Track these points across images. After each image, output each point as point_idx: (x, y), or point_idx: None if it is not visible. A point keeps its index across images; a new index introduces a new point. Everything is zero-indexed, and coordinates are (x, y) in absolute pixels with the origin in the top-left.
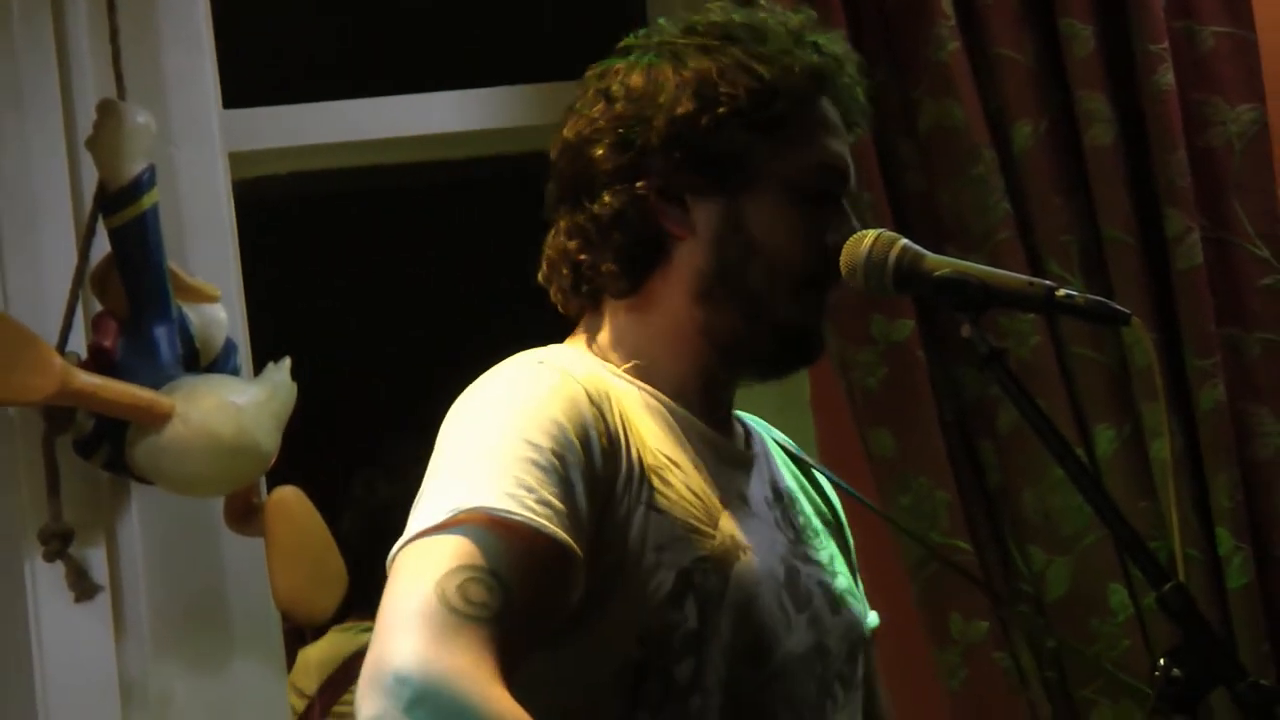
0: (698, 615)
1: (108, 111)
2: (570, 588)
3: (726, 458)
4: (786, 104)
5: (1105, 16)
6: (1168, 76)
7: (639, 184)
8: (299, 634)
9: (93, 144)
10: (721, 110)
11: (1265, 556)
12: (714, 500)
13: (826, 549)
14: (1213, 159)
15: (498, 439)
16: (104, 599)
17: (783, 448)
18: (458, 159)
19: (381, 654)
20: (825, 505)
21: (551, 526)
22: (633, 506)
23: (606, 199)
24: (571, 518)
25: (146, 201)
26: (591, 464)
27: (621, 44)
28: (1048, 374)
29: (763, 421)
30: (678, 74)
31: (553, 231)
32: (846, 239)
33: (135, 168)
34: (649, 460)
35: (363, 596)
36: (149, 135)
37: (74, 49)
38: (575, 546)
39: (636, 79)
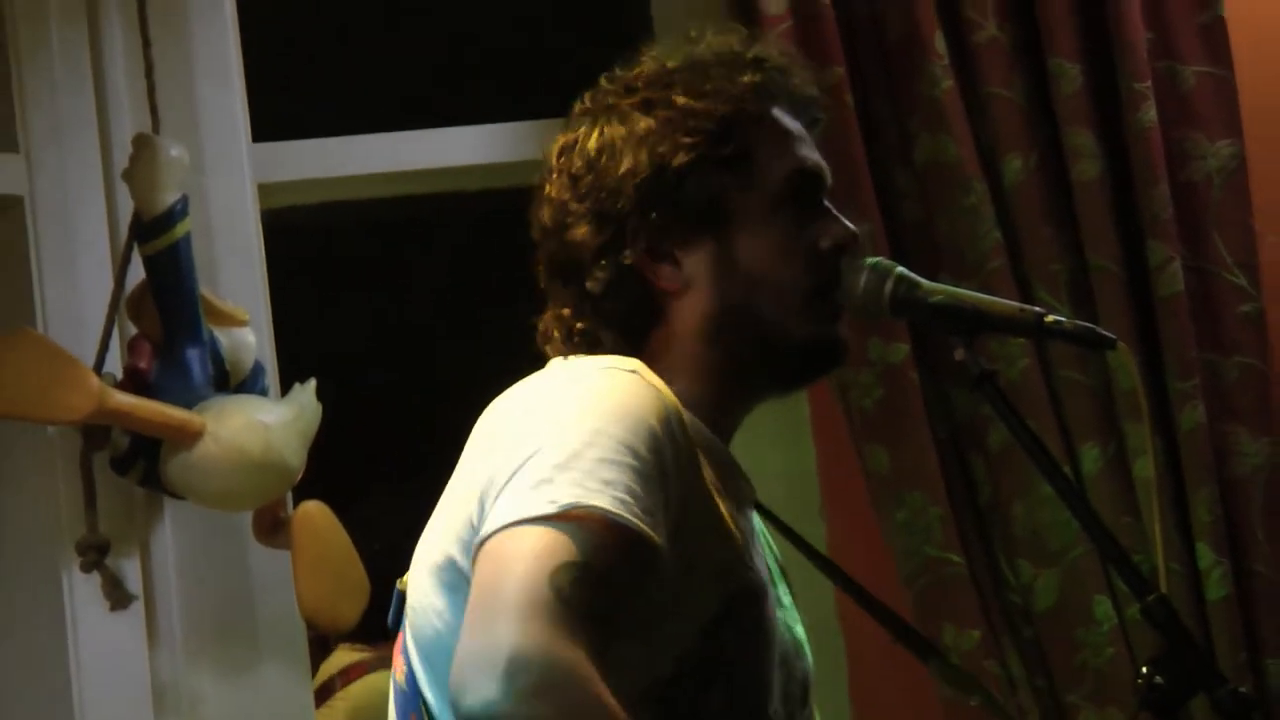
0: (734, 644)
1: (143, 144)
2: (650, 594)
3: (744, 490)
4: (742, 133)
5: (1091, 56)
6: (1151, 114)
7: (625, 254)
8: (323, 642)
9: (129, 176)
10: (682, 161)
11: (1243, 570)
12: (745, 534)
13: (788, 594)
14: (1193, 192)
15: (604, 440)
16: (138, 608)
17: None
18: (475, 190)
19: (494, 640)
20: (777, 546)
21: (656, 536)
22: (698, 525)
23: (598, 275)
24: (663, 527)
25: (179, 230)
26: (673, 479)
27: (574, 109)
28: (1036, 395)
29: None
30: (631, 136)
31: (549, 307)
32: (839, 236)
33: (169, 198)
34: (706, 484)
35: None
36: (182, 167)
37: (111, 85)
38: (665, 553)
39: (594, 151)
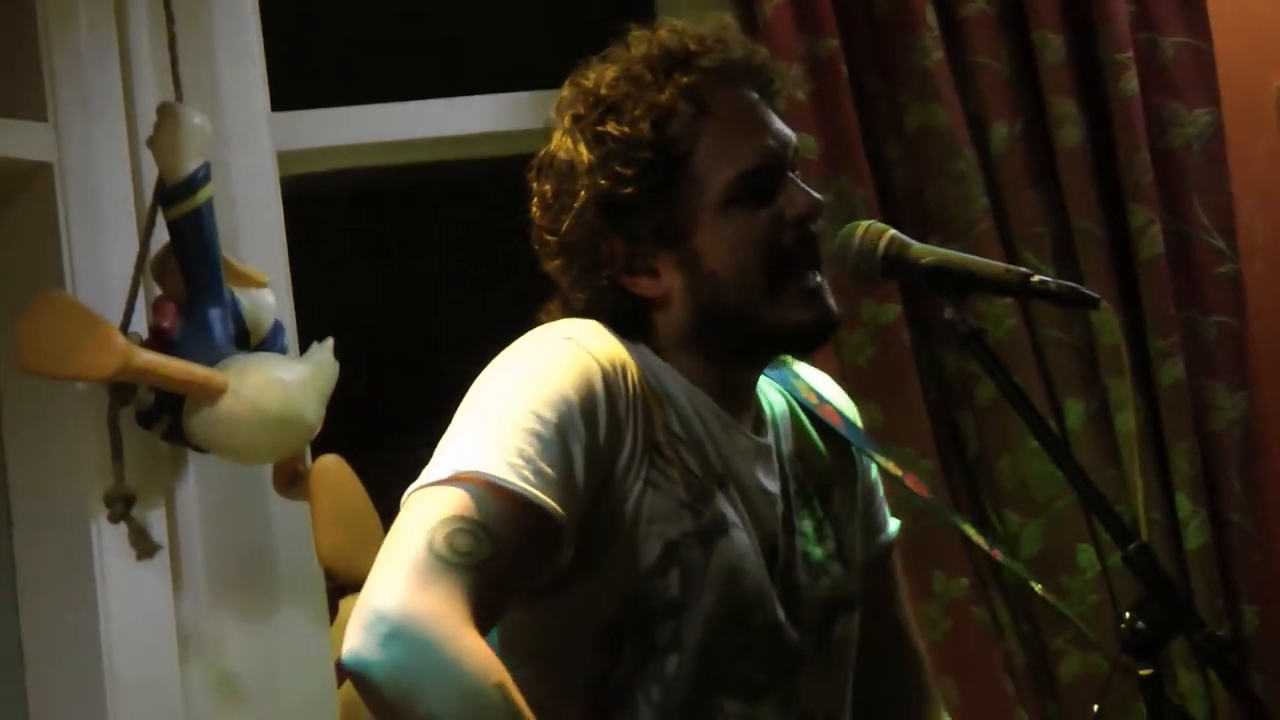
0: (680, 584)
1: (167, 114)
2: (554, 550)
3: (737, 440)
4: (678, 148)
5: (1074, 28)
6: (1132, 83)
7: (603, 275)
8: (340, 589)
9: (153, 143)
10: (625, 193)
11: (1220, 520)
12: (711, 480)
13: (815, 517)
14: (1173, 159)
15: (509, 407)
16: (163, 557)
17: (803, 407)
18: (486, 157)
19: (368, 592)
20: (833, 457)
21: (540, 495)
22: (632, 481)
23: (582, 295)
24: (564, 487)
25: (202, 196)
26: (595, 440)
27: (551, 110)
28: (1022, 353)
29: (802, 372)
30: (579, 168)
31: (546, 313)
32: (801, 207)
33: (191, 165)
34: (657, 437)
35: None
36: (204, 136)
37: (136, 57)
38: (560, 514)
39: (555, 178)
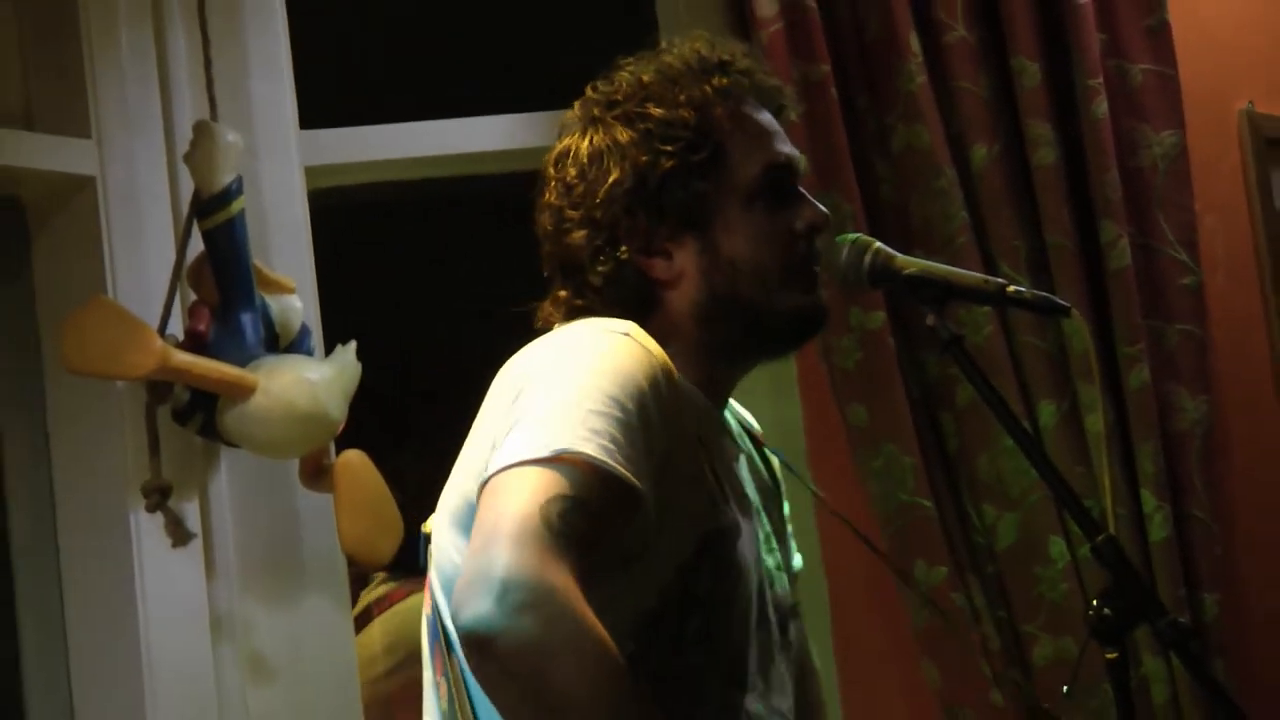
0: (710, 579)
1: (202, 131)
2: (632, 532)
3: (726, 444)
4: (714, 137)
5: (1049, 55)
6: (1102, 107)
7: (622, 251)
8: (362, 576)
9: (189, 159)
10: (662, 169)
11: (1182, 514)
12: (722, 481)
13: (764, 528)
14: (1140, 177)
15: (590, 392)
16: (197, 545)
17: (743, 426)
18: (497, 172)
19: (490, 561)
20: (767, 474)
21: (630, 475)
22: (679, 473)
23: (599, 270)
24: (643, 467)
25: (235, 207)
26: (659, 427)
27: (563, 120)
28: (999, 357)
29: (739, 409)
30: (615, 148)
31: (549, 294)
32: (811, 219)
33: (225, 179)
34: (690, 437)
35: None
36: (237, 151)
37: (174, 77)
38: (644, 491)
39: (584, 162)
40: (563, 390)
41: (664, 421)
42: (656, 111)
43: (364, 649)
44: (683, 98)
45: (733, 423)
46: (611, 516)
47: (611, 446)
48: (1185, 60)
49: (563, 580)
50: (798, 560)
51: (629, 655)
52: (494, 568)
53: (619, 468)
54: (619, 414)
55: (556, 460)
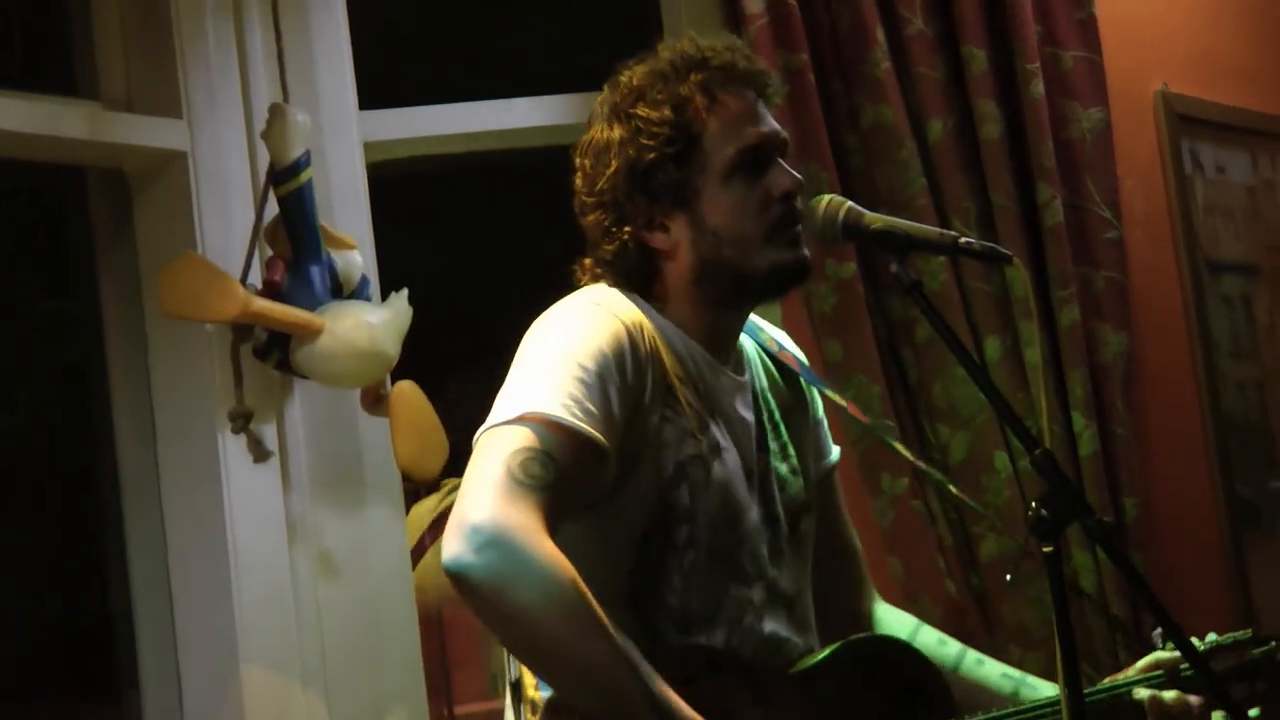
0: (689, 496)
1: (276, 112)
2: (601, 473)
3: (722, 382)
4: (691, 129)
5: (994, 44)
6: (1039, 88)
7: (625, 229)
8: (414, 489)
9: (265, 136)
10: (647, 160)
11: (1107, 431)
12: (706, 413)
13: (780, 440)
14: (1071, 147)
15: (557, 360)
16: (274, 462)
17: (766, 352)
18: (535, 147)
19: (462, 510)
20: (788, 389)
21: (588, 428)
22: (652, 414)
23: (609, 246)
24: (605, 421)
25: (304, 177)
26: (625, 382)
27: (590, 113)
28: (952, 300)
29: (765, 327)
30: (612, 143)
31: (582, 265)
32: (784, 186)
33: (296, 153)
34: (668, 380)
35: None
36: (306, 130)
37: (251, 66)
38: (605, 442)
39: (594, 154)
40: (535, 362)
41: (636, 374)
42: (642, 111)
43: (427, 561)
44: (662, 96)
45: (752, 353)
46: (574, 462)
47: (570, 403)
48: (1109, 48)
49: (520, 520)
50: (834, 453)
51: (634, 566)
52: (464, 515)
53: (576, 421)
54: (581, 375)
55: (521, 419)
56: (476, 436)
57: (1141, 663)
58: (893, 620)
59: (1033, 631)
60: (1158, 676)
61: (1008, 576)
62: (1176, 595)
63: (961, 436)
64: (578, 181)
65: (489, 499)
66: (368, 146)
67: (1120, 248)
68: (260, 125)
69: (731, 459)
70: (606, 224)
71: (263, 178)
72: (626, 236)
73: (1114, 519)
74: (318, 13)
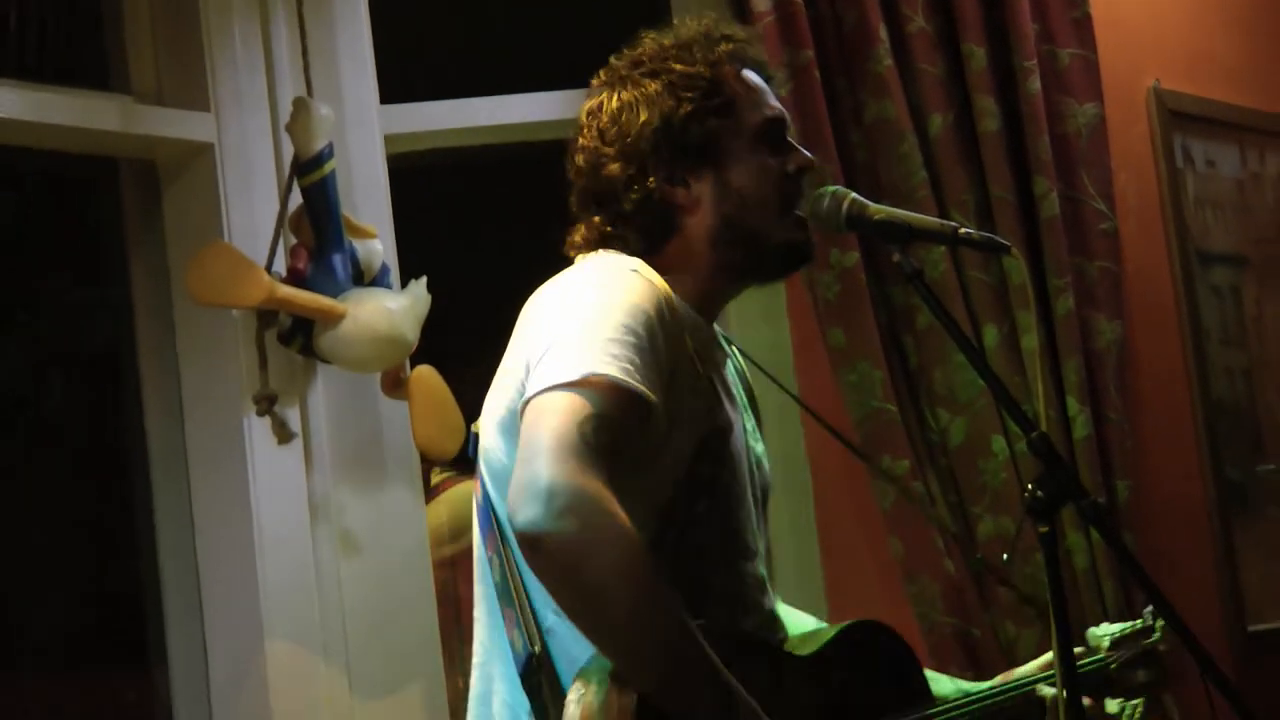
0: (710, 469)
1: (300, 106)
2: (649, 437)
3: (716, 354)
4: (725, 89)
5: (992, 41)
6: (1036, 84)
7: (650, 180)
8: (430, 467)
9: (290, 128)
10: (684, 112)
11: (1100, 416)
12: (717, 388)
13: (750, 420)
14: (1067, 142)
15: (606, 321)
16: (298, 443)
17: (723, 336)
18: (547, 140)
19: (535, 472)
20: (743, 380)
21: (646, 390)
22: (682, 383)
23: (631, 197)
24: (654, 381)
25: (327, 168)
26: (663, 350)
27: (593, 82)
28: (951, 288)
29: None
30: (644, 97)
31: (582, 225)
32: (800, 161)
33: (319, 145)
34: (689, 352)
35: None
36: (329, 123)
37: (277, 61)
38: (656, 401)
39: (616, 110)
40: (584, 320)
41: (668, 342)
42: (678, 67)
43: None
44: (699, 56)
45: (720, 334)
46: (632, 427)
47: (629, 367)
48: (1104, 46)
49: (596, 486)
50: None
51: (654, 538)
52: (540, 478)
53: (638, 384)
54: (632, 339)
55: (584, 383)
56: (530, 394)
57: (1042, 659)
58: (795, 620)
59: (1028, 609)
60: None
61: (1005, 556)
62: (1167, 574)
63: (960, 420)
64: (587, 139)
65: (564, 462)
66: (388, 139)
67: (1114, 239)
68: (285, 118)
69: (739, 434)
70: (630, 173)
71: (287, 169)
72: (651, 187)
73: (1107, 500)
74: (341, 10)
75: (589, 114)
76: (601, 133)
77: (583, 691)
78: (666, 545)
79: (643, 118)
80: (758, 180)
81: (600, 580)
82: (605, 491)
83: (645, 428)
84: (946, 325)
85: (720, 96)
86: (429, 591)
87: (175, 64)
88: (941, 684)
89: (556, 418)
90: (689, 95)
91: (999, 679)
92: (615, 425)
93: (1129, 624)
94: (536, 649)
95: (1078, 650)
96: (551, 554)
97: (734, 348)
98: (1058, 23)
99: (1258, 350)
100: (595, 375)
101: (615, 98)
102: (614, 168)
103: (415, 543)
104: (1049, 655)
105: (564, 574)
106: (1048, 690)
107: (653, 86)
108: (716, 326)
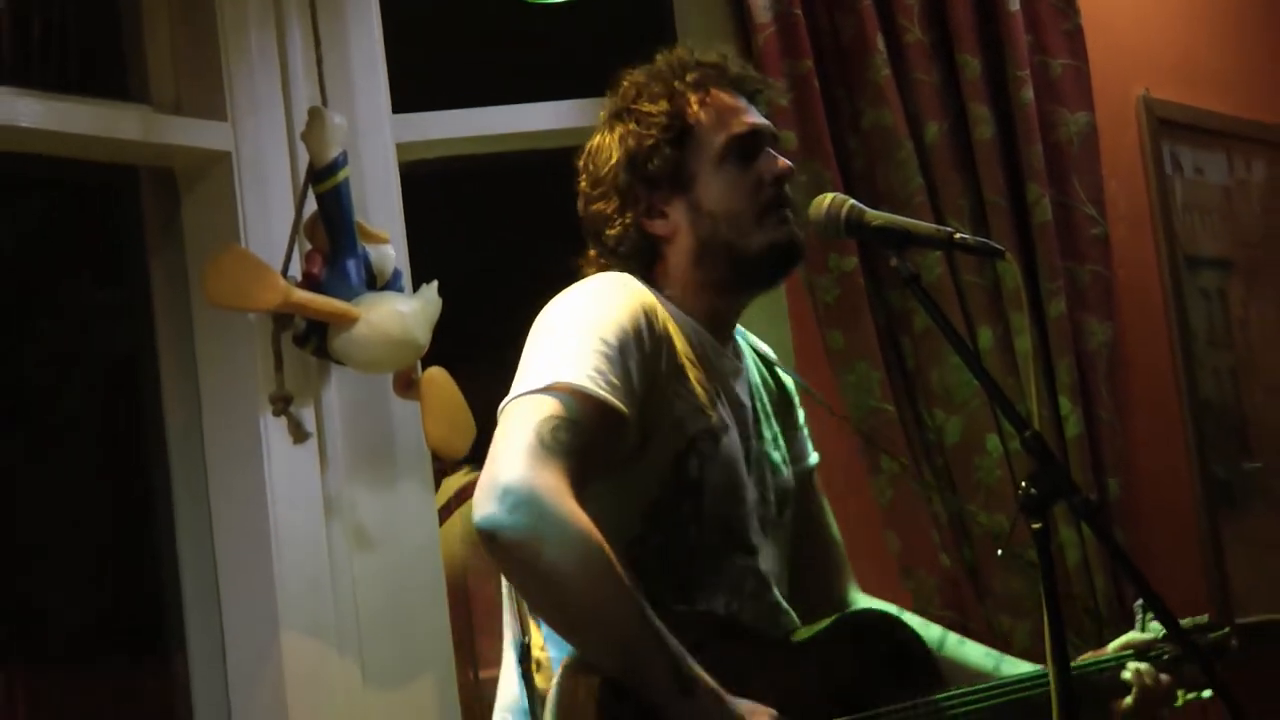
0: (698, 469)
1: (315, 115)
2: (622, 440)
3: (724, 364)
4: (684, 118)
5: (987, 52)
6: (1029, 93)
7: (628, 215)
8: (442, 467)
9: (305, 137)
10: (647, 144)
11: (1091, 415)
12: (713, 392)
13: (772, 430)
14: (1059, 149)
15: (582, 334)
16: (313, 442)
17: (759, 354)
18: (550, 148)
19: (494, 473)
20: (778, 390)
21: (612, 398)
22: (666, 389)
23: (612, 232)
24: (626, 392)
25: (341, 176)
26: (644, 356)
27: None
28: (947, 292)
29: (750, 335)
30: (613, 140)
31: (585, 254)
32: (774, 169)
33: (333, 153)
34: (679, 360)
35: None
36: (343, 131)
37: (292, 72)
38: (626, 412)
39: (594, 152)
40: (560, 334)
41: (649, 349)
42: (640, 106)
43: (448, 534)
44: (659, 91)
45: (745, 348)
46: (597, 430)
47: (595, 375)
48: (1095, 56)
49: (551, 483)
50: (814, 457)
51: (638, 535)
52: (497, 476)
53: (602, 391)
54: (604, 349)
55: (550, 389)
56: (503, 405)
57: (1117, 642)
58: (969, 651)
59: (1022, 602)
60: (1128, 655)
61: (999, 550)
62: (1156, 569)
63: (956, 420)
64: (581, 183)
65: (520, 462)
66: (400, 147)
67: (1105, 244)
68: (300, 127)
69: (734, 437)
70: (609, 212)
71: (302, 176)
72: (629, 221)
73: (1098, 497)
74: (355, 22)
75: (581, 157)
76: (587, 175)
77: (559, 676)
78: (652, 540)
79: (614, 158)
80: (727, 196)
81: (551, 567)
82: (561, 486)
83: (616, 432)
84: (942, 327)
85: (679, 127)
86: (440, 586)
87: (193, 75)
88: (970, 654)
89: (517, 422)
90: (649, 132)
91: (1087, 656)
92: (578, 427)
93: (1193, 619)
94: (527, 639)
95: (1152, 639)
96: (506, 548)
97: (760, 357)
98: (1050, 34)
99: (1244, 351)
100: (560, 382)
101: (595, 141)
102: (598, 207)
103: (426, 538)
104: (1126, 638)
105: (519, 566)
106: (1130, 668)
107: (620, 129)
108: (747, 341)
